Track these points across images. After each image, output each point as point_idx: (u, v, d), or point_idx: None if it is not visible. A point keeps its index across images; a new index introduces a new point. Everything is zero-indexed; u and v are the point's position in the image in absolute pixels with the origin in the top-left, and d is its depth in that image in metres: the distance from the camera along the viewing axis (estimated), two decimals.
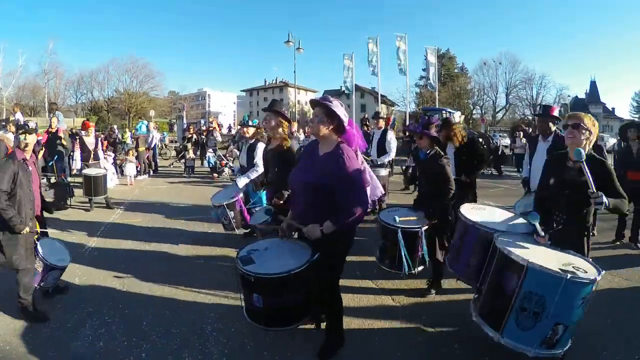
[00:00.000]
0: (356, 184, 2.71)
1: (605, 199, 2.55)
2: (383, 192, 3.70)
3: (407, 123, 19.44)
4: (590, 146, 2.88)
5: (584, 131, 2.82)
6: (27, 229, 3.53)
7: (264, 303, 2.82)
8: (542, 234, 2.80)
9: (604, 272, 2.48)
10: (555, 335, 2.45)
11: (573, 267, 2.48)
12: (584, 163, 2.59)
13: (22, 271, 3.55)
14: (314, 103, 2.92)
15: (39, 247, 3.81)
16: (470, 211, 3.44)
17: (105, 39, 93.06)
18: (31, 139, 3.81)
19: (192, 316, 3.68)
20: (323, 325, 3.33)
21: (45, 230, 4.07)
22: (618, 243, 6.07)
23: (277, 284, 2.76)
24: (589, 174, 2.58)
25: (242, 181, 5.52)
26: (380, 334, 3.43)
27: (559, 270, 2.38)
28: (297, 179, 2.93)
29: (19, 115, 11.84)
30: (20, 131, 3.79)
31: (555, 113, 4.58)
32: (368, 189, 3.50)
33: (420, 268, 4.13)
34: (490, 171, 16.05)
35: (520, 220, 3.30)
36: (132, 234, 6.41)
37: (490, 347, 2.89)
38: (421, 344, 3.28)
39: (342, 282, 3.13)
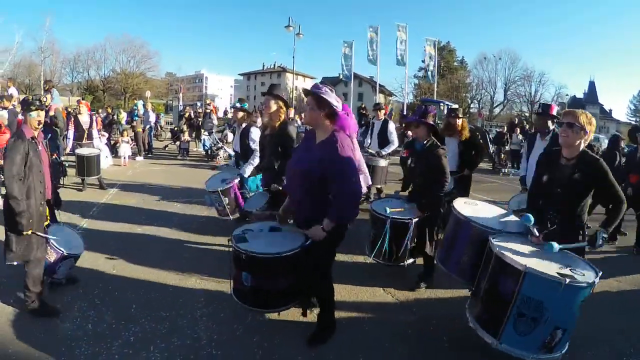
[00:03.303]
0: (348, 172, 2.70)
1: (601, 238, 2.58)
2: (370, 182, 3.71)
3: (405, 113, 19.22)
4: (586, 144, 2.80)
5: (578, 130, 2.71)
6: (30, 231, 3.19)
7: (252, 282, 2.90)
8: (537, 234, 2.77)
9: (601, 273, 2.46)
10: (554, 340, 2.42)
11: (570, 269, 2.44)
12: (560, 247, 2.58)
13: (32, 262, 3.27)
14: (306, 92, 2.94)
15: (50, 235, 3.47)
16: (464, 206, 3.36)
17: (101, 17, 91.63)
18: (42, 116, 3.41)
19: (182, 300, 3.68)
20: (311, 313, 3.35)
21: (54, 216, 3.74)
22: (613, 243, 6.08)
23: (268, 264, 2.84)
24: (573, 245, 2.65)
25: (247, 169, 5.34)
26: (370, 325, 3.45)
27: (557, 275, 2.33)
28: (294, 167, 2.94)
29: (12, 90, 11.56)
30: (33, 107, 3.31)
31: (554, 112, 4.54)
32: (361, 177, 3.49)
33: (410, 261, 4.15)
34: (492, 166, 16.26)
35: (513, 217, 3.27)
36: (124, 215, 6.37)
37: (480, 342, 2.85)
38: (410, 336, 3.30)
39: (336, 273, 3.13)
